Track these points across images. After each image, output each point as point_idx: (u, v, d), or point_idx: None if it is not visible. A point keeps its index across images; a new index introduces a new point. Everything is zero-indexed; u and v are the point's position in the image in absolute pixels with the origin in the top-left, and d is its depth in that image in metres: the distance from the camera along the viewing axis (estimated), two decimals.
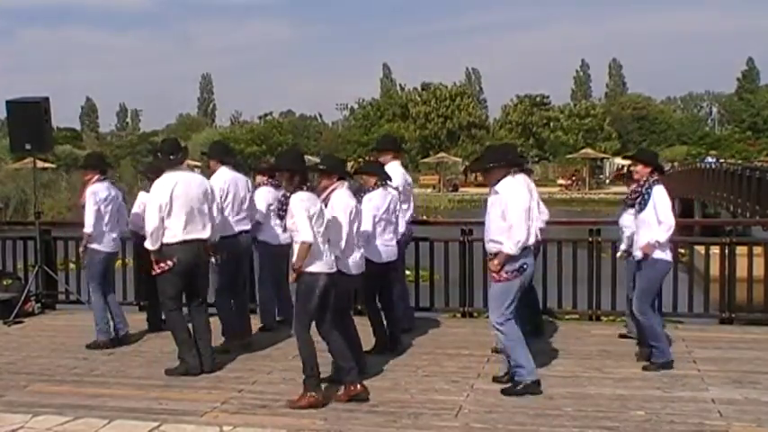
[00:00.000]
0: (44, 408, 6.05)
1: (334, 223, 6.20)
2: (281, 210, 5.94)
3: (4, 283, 9.77)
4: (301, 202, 5.94)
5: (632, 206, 6.99)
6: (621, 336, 7.91)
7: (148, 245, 6.88)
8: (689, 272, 9.73)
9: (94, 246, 8.01)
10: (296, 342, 6.07)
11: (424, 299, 9.46)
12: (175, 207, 6.84)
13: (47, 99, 9.78)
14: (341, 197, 6.34)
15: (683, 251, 10.08)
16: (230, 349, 7.56)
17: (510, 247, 6.07)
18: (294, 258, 5.92)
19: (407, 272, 8.88)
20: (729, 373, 6.74)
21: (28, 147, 9.87)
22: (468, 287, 9.16)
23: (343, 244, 6.27)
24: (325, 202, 6.27)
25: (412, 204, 8.28)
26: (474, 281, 9.01)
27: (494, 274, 6.20)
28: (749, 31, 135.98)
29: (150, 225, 6.82)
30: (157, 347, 7.90)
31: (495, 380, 6.47)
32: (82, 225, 8.16)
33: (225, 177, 7.73)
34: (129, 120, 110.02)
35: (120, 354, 7.77)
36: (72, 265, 10.95)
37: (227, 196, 7.64)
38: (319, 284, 5.96)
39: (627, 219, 7.37)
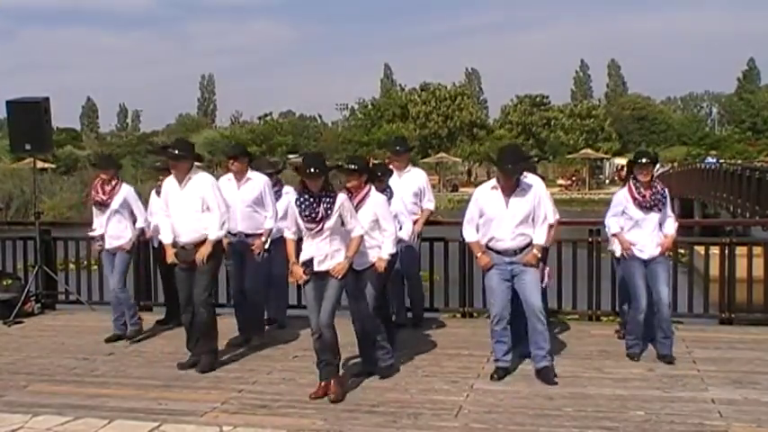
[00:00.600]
0: (44, 408, 6.05)
1: (384, 221, 6.51)
2: (330, 209, 6.09)
3: (4, 283, 9.76)
4: (348, 201, 6.20)
5: (652, 208, 7.01)
6: (621, 336, 7.90)
7: (222, 232, 7.07)
8: (689, 272, 9.72)
9: (133, 241, 8.34)
10: (327, 332, 6.12)
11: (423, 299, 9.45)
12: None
13: (47, 99, 9.78)
14: (382, 198, 6.65)
15: (682, 251, 10.08)
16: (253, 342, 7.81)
17: (547, 240, 6.68)
18: (349, 251, 6.17)
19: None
20: (729, 373, 6.74)
21: (28, 147, 9.87)
22: (468, 287, 9.16)
23: (395, 240, 6.63)
24: (360, 202, 6.45)
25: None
26: (474, 281, 9.01)
27: (535, 267, 6.53)
28: (749, 31, 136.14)
29: (225, 216, 7.08)
30: (158, 348, 7.91)
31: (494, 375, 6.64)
32: (87, 225, 8.29)
33: (266, 177, 8.03)
34: (129, 120, 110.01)
35: (120, 354, 7.78)
36: (72, 266, 10.95)
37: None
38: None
39: (639, 217, 7.17)
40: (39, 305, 9.82)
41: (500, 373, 6.60)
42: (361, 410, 5.87)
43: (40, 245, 10.00)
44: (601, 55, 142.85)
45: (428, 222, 8.71)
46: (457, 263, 9.16)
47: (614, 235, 7.22)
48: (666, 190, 7.13)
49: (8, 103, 9.87)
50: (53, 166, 47.59)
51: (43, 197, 33.26)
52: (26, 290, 9.57)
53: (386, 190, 7.24)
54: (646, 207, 7.02)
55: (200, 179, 7.07)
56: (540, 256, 6.55)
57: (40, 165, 11.06)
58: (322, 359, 6.19)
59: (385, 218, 6.55)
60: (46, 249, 10.16)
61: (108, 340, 8.14)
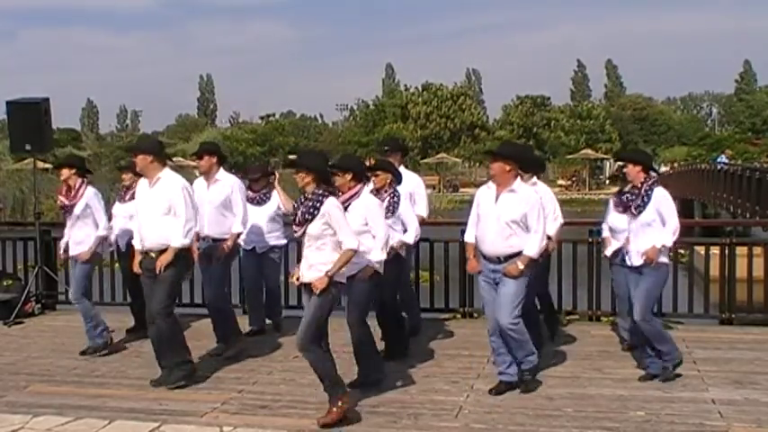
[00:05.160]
0: (44, 408, 6.05)
1: (375, 225, 6.08)
2: (309, 212, 5.61)
3: (5, 283, 9.75)
4: (338, 208, 5.65)
5: (626, 209, 6.66)
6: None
7: (187, 240, 6.55)
8: (689, 272, 9.73)
9: (93, 250, 7.87)
10: (304, 355, 5.69)
11: (424, 299, 9.45)
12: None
13: (47, 99, 9.77)
14: (372, 200, 6.23)
15: (682, 252, 10.08)
16: (238, 354, 7.44)
17: (536, 252, 6.10)
18: (332, 265, 5.57)
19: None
20: (729, 373, 6.74)
21: (28, 147, 9.86)
22: (469, 287, 9.15)
23: (385, 248, 6.19)
24: (347, 204, 6.03)
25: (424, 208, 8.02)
26: (474, 281, 9.00)
27: (515, 278, 6.06)
28: (748, 32, 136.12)
29: (193, 220, 6.61)
30: None
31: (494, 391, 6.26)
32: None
33: (236, 178, 7.74)
34: (128, 121, 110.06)
35: (120, 354, 7.78)
36: None
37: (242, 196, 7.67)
38: (338, 295, 5.89)
39: (618, 221, 7.01)
40: (39, 305, 9.80)
41: (501, 388, 6.24)
42: (362, 411, 5.86)
43: (40, 245, 9.99)
44: (601, 55, 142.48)
45: (428, 223, 8.66)
46: (457, 263, 9.15)
47: (604, 239, 7.20)
48: (655, 191, 6.51)
49: (8, 103, 9.86)
50: (53, 166, 47.48)
51: (41, 197, 33.09)
52: (26, 290, 9.56)
53: (392, 191, 6.96)
54: (621, 207, 6.77)
55: (170, 181, 6.59)
56: (521, 268, 6.02)
57: (40, 165, 11.04)
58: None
59: (375, 221, 6.10)
60: (46, 249, 10.15)
61: (82, 353, 7.69)
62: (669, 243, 6.48)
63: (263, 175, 8.34)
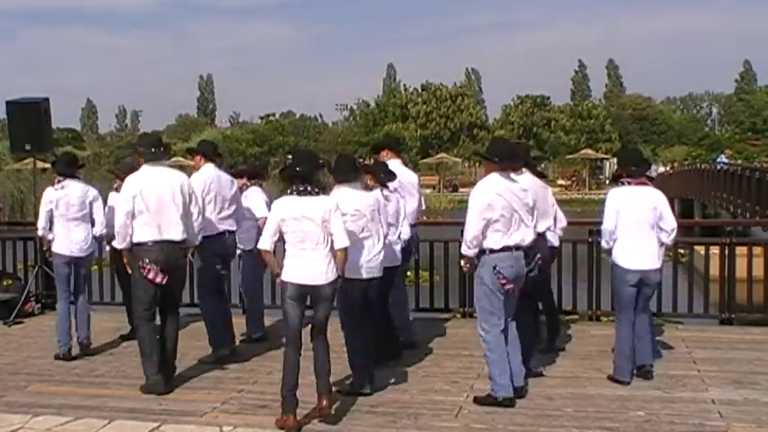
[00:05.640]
0: (44, 408, 6.06)
1: (334, 230, 5.74)
2: None
3: (5, 283, 9.75)
4: (272, 209, 5.79)
5: None
6: None
7: (116, 243, 6.54)
8: (689, 272, 9.73)
9: (53, 249, 7.70)
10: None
11: (424, 299, 9.46)
12: (147, 204, 6.35)
13: (47, 99, 9.78)
14: (333, 203, 5.82)
15: (682, 251, 10.09)
16: (219, 360, 7.23)
17: (463, 247, 5.98)
18: None
19: (407, 272, 8.84)
20: (729, 373, 6.74)
21: (28, 147, 9.87)
22: (468, 287, 9.14)
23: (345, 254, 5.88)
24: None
25: (415, 206, 7.65)
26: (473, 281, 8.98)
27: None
28: (748, 32, 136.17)
29: (117, 222, 6.41)
30: None
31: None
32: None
33: (209, 173, 7.43)
34: (128, 121, 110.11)
35: (120, 354, 7.79)
36: None
37: (209, 193, 7.30)
38: (287, 294, 5.63)
39: None
40: (39, 305, 9.80)
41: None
42: (362, 411, 5.87)
43: (39, 245, 9.96)
44: (601, 55, 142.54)
45: (428, 223, 8.65)
46: (457, 263, 9.14)
47: None
48: (608, 193, 6.73)
49: (8, 103, 9.88)
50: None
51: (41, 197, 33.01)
52: (26, 290, 9.56)
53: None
54: None
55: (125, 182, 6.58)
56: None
57: (40, 165, 11.05)
58: None
59: (333, 224, 5.69)
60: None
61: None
62: (604, 245, 6.66)
63: (236, 173, 8.19)
